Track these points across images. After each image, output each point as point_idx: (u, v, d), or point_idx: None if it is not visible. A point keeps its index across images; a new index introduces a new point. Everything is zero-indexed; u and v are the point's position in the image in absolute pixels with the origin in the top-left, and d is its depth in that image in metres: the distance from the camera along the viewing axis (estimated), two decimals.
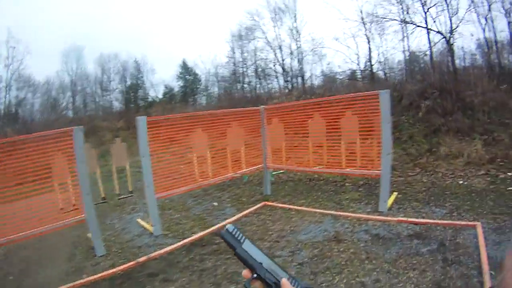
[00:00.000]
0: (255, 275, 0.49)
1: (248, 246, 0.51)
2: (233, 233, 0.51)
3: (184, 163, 4.57)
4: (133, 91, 23.72)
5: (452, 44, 11.55)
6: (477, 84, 8.20)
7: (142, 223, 4.55)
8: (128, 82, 23.01)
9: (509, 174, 5.66)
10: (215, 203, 5.25)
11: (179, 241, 3.73)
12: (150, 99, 22.32)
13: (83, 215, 3.49)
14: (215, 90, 21.40)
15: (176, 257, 3.34)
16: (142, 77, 23.34)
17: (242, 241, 0.51)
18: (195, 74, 22.88)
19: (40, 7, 25.02)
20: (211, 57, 24.71)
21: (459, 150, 6.70)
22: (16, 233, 3.10)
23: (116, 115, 18.49)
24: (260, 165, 5.48)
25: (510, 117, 7.40)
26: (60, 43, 29.76)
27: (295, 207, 4.52)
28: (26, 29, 20.87)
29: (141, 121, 3.84)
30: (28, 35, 24.66)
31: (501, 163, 6.14)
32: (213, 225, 4.18)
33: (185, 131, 4.46)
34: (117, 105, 21.83)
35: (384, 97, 3.71)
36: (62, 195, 3.57)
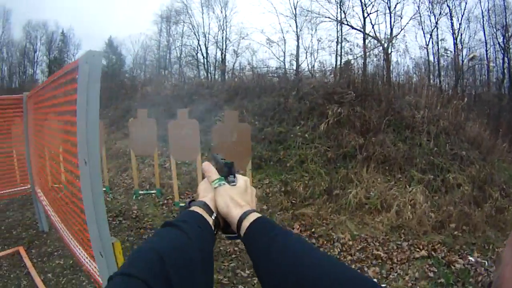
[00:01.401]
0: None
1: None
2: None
3: None
4: (56, 66, 20.97)
5: (390, 53, 10.59)
6: (420, 93, 6.21)
7: None
8: (53, 55, 20.15)
9: (471, 258, 3.03)
10: None
11: None
12: None
13: None
14: (141, 75, 18.79)
15: None
16: (68, 51, 20.71)
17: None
18: (120, 55, 20.64)
19: None
20: (140, 38, 22.50)
21: (383, 198, 3.80)
22: None
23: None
24: (23, 187, 3.46)
25: (469, 148, 4.83)
26: None
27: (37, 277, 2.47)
28: None
29: None
30: None
31: (456, 232, 3.35)
32: None
33: None
34: (43, 78, 19.19)
35: (85, 71, 1.14)
36: None
